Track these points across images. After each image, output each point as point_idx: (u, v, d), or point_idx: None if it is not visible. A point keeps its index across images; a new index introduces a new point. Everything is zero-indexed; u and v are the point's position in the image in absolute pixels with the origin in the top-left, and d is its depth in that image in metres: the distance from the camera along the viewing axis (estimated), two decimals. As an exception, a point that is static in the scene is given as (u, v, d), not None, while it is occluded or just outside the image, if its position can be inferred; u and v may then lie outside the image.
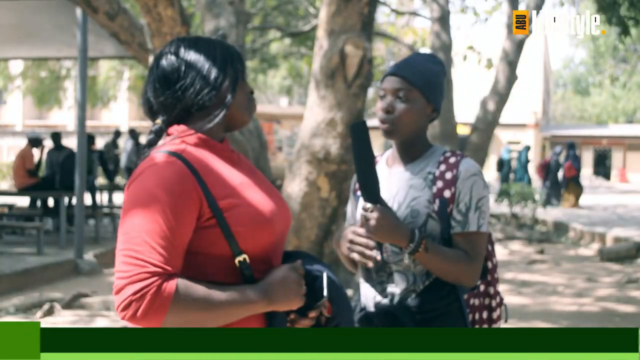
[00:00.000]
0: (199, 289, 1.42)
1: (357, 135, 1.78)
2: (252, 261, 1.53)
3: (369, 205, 1.78)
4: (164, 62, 1.62)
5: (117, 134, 14.79)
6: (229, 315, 1.45)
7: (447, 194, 1.92)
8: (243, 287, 1.48)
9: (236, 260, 1.51)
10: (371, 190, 1.81)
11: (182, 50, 1.61)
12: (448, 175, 1.93)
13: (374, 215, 1.78)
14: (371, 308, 2.00)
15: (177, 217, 1.45)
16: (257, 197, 1.57)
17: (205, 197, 1.49)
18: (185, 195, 1.47)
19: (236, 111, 1.63)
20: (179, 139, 1.58)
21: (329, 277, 1.59)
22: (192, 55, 1.60)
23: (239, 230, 1.51)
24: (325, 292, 1.57)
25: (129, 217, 1.47)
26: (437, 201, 1.92)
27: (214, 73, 1.59)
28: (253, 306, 1.47)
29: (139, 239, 1.42)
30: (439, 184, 1.93)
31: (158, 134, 1.63)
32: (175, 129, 1.61)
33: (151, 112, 1.66)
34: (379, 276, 2.00)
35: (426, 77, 1.97)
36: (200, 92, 1.58)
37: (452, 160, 1.96)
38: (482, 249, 1.92)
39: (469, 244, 1.89)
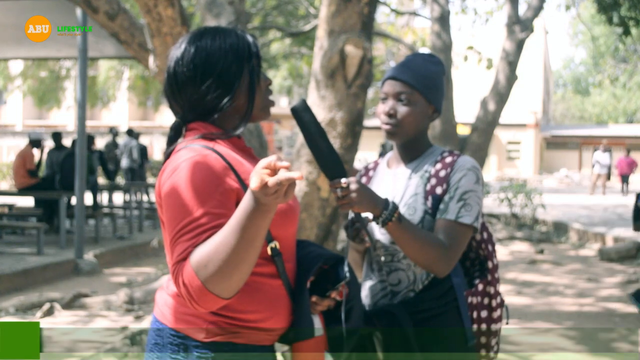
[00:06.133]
0: (206, 247, 1.40)
1: (300, 117, 1.71)
2: (280, 249, 1.59)
3: (344, 180, 1.78)
4: (179, 65, 1.61)
5: (115, 133, 14.75)
6: (244, 234, 1.36)
7: (439, 190, 1.94)
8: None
9: (268, 247, 1.55)
10: (335, 166, 1.78)
11: (197, 53, 1.60)
12: (442, 173, 1.96)
13: (353, 188, 1.78)
14: (371, 307, 2.00)
15: (218, 204, 1.47)
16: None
17: (242, 186, 1.53)
18: (227, 184, 1.50)
19: (255, 112, 1.67)
20: (204, 135, 1.60)
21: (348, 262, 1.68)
22: (207, 60, 1.59)
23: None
24: (347, 274, 1.64)
25: (171, 210, 1.49)
26: (429, 198, 1.94)
27: (230, 80, 1.60)
28: (249, 210, 1.36)
29: (176, 235, 1.46)
30: (433, 181, 1.96)
31: (177, 131, 1.67)
32: (197, 125, 1.63)
33: (172, 107, 1.68)
34: (379, 275, 2.00)
35: (426, 79, 1.98)
36: (218, 100, 1.60)
37: (449, 159, 1.98)
38: (458, 240, 1.89)
39: (444, 231, 1.88)
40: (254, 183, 1.30)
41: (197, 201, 1.46)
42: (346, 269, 1.66)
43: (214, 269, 1.38)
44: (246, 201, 1.36)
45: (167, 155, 1.62)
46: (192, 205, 1.46)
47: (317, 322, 1.66)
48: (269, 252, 1.56)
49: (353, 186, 1.78)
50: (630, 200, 18.41)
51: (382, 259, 2.00)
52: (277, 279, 1.59)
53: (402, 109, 1.96)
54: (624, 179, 22.23)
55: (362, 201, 1.78)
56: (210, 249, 1.39)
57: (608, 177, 23.54)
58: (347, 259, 1.69)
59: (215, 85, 1.59)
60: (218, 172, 1.50)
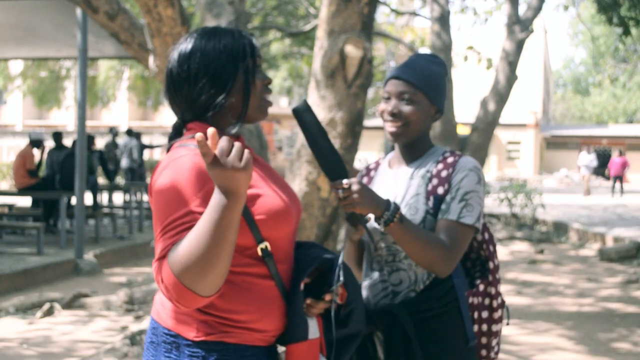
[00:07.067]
0: (182, 243, 1.40)
1: (302, 118, 1.72)
2: (272, 250, 1.57)
3: (345, 180, 1.78)
4: (175, 67, 1.63)
5: (115, 133, 14.74)
6: (216, 229, 1.35)
7: (440, 190, 1.94)
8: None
9: (258, 248, 1.55)
10: (337, 166, 1.78)
11: (192, 54, 1.61)
12: (444, 173, 1.96)
13: (355, 189, 1.78)
14: (372, 307, 2.00)
15: (205, 202, 1.46)
16: (274, 189, 1.62)
17: None
18: (212, 183, 1.48)
19: (251, 112, 1.66)
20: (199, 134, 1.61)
21: (343, 263, 1.65)
22: (202, 60, 1.60)
23: (262, 219, 1.55)
24: (341, 277, 1.62)
25: (157, 207, 1.49)
26: (431, 198, 1.95)
27: (224, 79, 1.60)
28: (218, 203, 1.35)
29: (160, 232, 1.47)
30: (434, 181, 1.96)
31: (177, 130, 1.68)
32: (195, 125, 1.64)
33: (172, 107, 1.70)
34: (380, 275, 2.00)
35: (429, 79, 1.99)
36: (212, 99, 1.60)
37: (450, 159, 1.98)
38: (459, 240, 1.88)
39: (446, 232, 1.88)
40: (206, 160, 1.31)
41: (181, 200, 1.47)
42: (341, 268, 1.64)
43: (188, 265, 1.37)
44: (215, 196, 1.37)
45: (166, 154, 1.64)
46: (177, 203, 1.47)
47: (313, 325, 1.64)
48: (259, 253, 1.56)
49: (354, 187, 1.78)
50: (626, 201, 18.41)
51: (385, 256, 1.99)
52: (269, 280, 1.59)
53: (405, 109, 1.97)
54: (618, 179, 22.12)
55: (364, 202, 1.78)
56: (184, 246, 1.39)
57: (606, 177, 23.61)
58: (341, 260, 1.66)
59: (209, 85, 1.60)
60: (205, 171, 1.50)
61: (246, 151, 1.35)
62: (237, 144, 1.33)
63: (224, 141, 1.33)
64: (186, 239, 1.39)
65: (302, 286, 1.62)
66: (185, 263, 1.37)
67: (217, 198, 1.36)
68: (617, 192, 22.02)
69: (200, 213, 1.45)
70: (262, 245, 1.56)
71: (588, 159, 22.29)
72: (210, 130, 1.31)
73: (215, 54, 1.60)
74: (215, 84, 1.60)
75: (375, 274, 2.02)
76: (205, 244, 1.36)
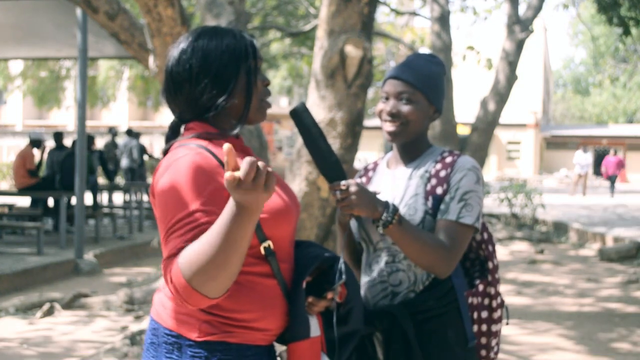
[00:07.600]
0: (193, 247, 1.39)
1: (300, 119, 1.72)
2: (274, 249, 1.58)
3: (343, 182, 1.78)
4: (176, 65, 1.62)
5: (115, 133, 14.73)
6: (229, 237, 1.34)
7: (439, 190, 1.94)
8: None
9: (262, 247, 1.55)
10: (335, 168, 1.79)
11: (194, 53, 1.60)
12: (442, 173, 1.96)
13: (353, 190, 1.78)
14: (371, 307, 2.00)
15: (209, 201, 1.46)
16: (275, 188, 1.61)
17: None
18: (218, 182, 1.49)
19: (251, 113, 1.66)
20: (200, 134, 1.61)
21: (344, 262, 1.66)
22: (204, 60, 1.60)
23: (264, 218, 1.54)
24: (343, 275, 1.63)
25: (162, 208, 1.49)
26: (430, 198, 1.94)
27: (226, 80, 1.60)
28: (233, 213, 1.33)
29: (167, 232, 1.46)
30: (433, 181, 1.96)
31: (174, 130, 1.67)
32: (194, 125, 1.63)
33: (170, 106, 1.69)
34: (380, 276, 2.00)
35: (428, 79, 1.99)
36: (213, 100, 1.60)
37: (449, 159, 1.98)
38: (458, 240, 1.88)
39: (445, 232, 1.88)
40: (228, 185, 1.28)
41: (188, 199, 1.46)
42: (342, 267, 1.65)
43: (199, 269, 1.37)
44: (230, 207, 1.34)
45: (164, 154, 1.63)
46: (184, 202, 1.46)
47: (314, 323, 1.65)
48: (263, 251, 1.56)
49: (352, 188, 1.78)
50: (626, 200, 18.39)
51: (384, 256, 1.99)
52: (271, 279, 1.59)
53: (404, 108, 1.97)
54: (612, 179, 21.97)
55: (362, 203, 1.78)
56: (196, 249, 1.38)
57: (600, 175, 23.52)
58: (342, 259, 1.67)
59: (211, 85, 1.59)
60: (209, 170, 1.50)
61: (270, 172, 1.30)
62: (261, 164, 1.28)
63: (247, 164, 1.26)
64: (198, 242, 1.38)
65: (304, 284, 1.62)
66: (196, 267, 1.37)
67: (233, 209, 1.33)
68: (614, 191, 21.93)
69: (205, 211, 1.45)
70: (265, 244, 1.56)
71: (583, 157, 22.22)
72: (226, 147, 1.27)
73: (217, 54, 1.60)
74: (217, 84, 1.59)
75: (375, 275, 2.02)
76: (217, 250, 1.35)
